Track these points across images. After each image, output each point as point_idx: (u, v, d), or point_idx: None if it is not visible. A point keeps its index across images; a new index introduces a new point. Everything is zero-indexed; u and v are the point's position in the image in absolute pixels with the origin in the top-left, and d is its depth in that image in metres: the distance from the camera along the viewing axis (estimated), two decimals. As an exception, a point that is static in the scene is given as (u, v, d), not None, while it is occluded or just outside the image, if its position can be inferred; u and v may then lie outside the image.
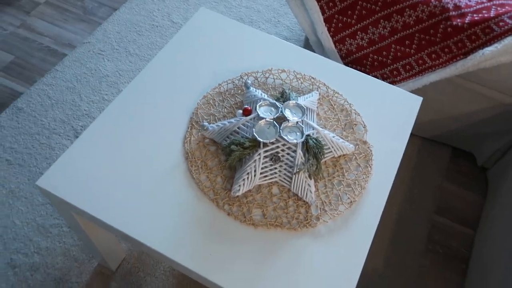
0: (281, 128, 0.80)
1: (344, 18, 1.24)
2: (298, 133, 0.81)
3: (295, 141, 0.80)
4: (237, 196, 0.81)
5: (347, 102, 0.96)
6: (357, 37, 1.25)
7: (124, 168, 0.83)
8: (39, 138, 1.46)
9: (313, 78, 0.99)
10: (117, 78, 1.65)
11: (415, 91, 1.29)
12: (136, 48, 1.73)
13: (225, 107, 0.93)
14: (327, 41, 1.28)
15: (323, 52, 1.35)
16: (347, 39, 1.26)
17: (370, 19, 1.21)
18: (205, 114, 0.92)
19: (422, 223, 1.34)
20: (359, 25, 1.23)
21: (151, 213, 0.78)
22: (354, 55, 1.28)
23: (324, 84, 0.99)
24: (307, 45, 1.45)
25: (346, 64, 1.32)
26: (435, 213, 1.37)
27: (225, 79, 0.98)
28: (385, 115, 0.96)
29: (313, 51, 1.40)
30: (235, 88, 0.97)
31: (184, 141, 0.88)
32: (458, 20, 1.16)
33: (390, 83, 1.27)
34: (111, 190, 0.80)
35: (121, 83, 1.63)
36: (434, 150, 1.50)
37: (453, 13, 1.16)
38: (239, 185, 0.79)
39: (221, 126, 0.85)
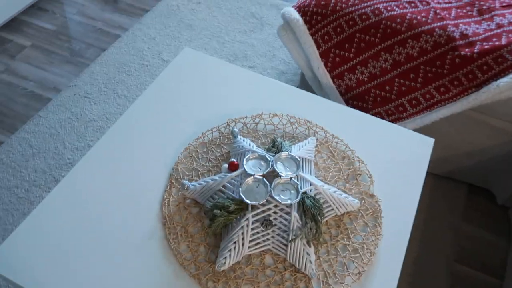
0: (272, 186, 0.69)
1: (342, 52, 1.14)
2: (292, 192, 0.69)
3: (289, 201, 0.67)
4: (223, 270, 0.68)
5: (349, 148, 0.85)
6: (356, 71, 1.14)
7: (89, 239, 0.71)
8: (17, 191, 1.35)
9: (309, 122, 0.88)
10: (104, 122, 1.55)
11: (423, 128, 1.18)
12: (124, 89, 1.65)
13: (209, 160, 0.82)
14: (324, 76, 1.18)
15: (320, 88, 1.25)
16: (345, 74, 1.16)
17: (370, 52, 1.12)
18: (186, 169, 0.80)
19: (441, 274, 1.19)
20: (358, 59, 1.13)
21: (120, 296, 0.65)
22: (355, 91, 1.18)
23: (322, 128, 0.87)
24: (303, 81, 1.35)
25: (346, 100, 1.21)
26: (454, 261, 1.23)
27: (209, 126, 0.87)
28: (393, 161, 0.84)
29: (310, 87, 1.30)
30: (221, 137, 0.85)
31: (162, 202, 0.76)
32: (467, 50, 1.05)
33: (395, 120, 1.16)
34: (74, 267, 0.67)
35: (108, 127, 1.54)
36: (448, 189, 1.37)
37: (460, 42, 1.06)
38: (225, 258, 0.67)
39: (203, 184, 0.74)
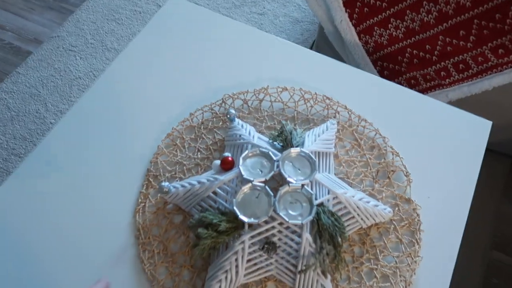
0: (277, 197, 0.51)
1: (372, 1, 0.90)
2: (304, 204, 0.51)
3: (299, 220, 0.50)
4: (211, 304, 0.52)
5: (380, 134, 0.65)
6: (389, 25, 0.91)
7: (40, 259, 0.55)
8: (-6, 161, 1.21)
9: (329, 99, 0.68)
10: (91, 80, 1.36)
11: (468, 97, 0.95)
12: (114, 40, 1.43)
13: (198, 150, 0.64)
14: (348, 31, 0.95)
15: (342, 45, 1.02)
16: (375, 28, 0.93)
17: (409, 1, 0.87)
18: (168, 163, 0.63)
19: (475, 261, 1.03)
20: (392, 9, 0.89)
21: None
22: (385, 50, 0.95)
23: (345, 108, 0.67)
24: (321, 34, 1.12)
25: (374, 61, 0.99)
26: (492, 248, 1.06)
27: (200, 104, 0.68)
28: (438, 154, 0.64)
29: (330, 43, 1.07)
30: (215, 119, 0.66)
31: (135, 209, 0.59)
32: None
33: (434, 86, 0.94)
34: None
35: None
36: (488, 162, 1.17)
37: None
38: (213, 290, 0.51)
39: (187, 188, 0.56)
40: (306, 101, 0.68)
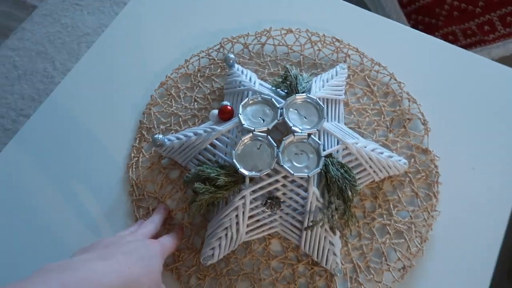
0: (281, 148, 0.46)
1: None
2: (311, 155, 0.46)
3: (305, 173, 0.45)
4: (212, 264, 0.48)
5: (395, 79, 0.59)
6: None
7: (38, 212, 0.52)
8: (3, 122, 1.16)
9: (339, 41, 0.61)
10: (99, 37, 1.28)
11: (510, 57, 0.86)
12: None
13: (195, 100, 0.58)
14: None
15: None
16: None
17: None
18: (162, 114, 0.57)
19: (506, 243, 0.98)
20: None
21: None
22: (421, 1, 0.86)
23: (357, 50, 0.61)
24: None
25: (408, 14, 0.90)
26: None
27: (196, 50, 0.61)
28: (463, 101, 0.58)
29: None
30: (213, 66, 0.60)
31: (128, 164, 0.55)
32: None
33: (476, 43, 0.86)
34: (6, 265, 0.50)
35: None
36: None
37: None
38: (213, 248, 0.47)
39: (183, 140, 0.51)
40: (313, 44, 0.61)
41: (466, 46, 0.89)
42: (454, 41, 0.89)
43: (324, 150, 0.47)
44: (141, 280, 0.38)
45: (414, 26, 0.92)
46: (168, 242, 0.45)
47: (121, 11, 0.65)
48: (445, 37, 0.89)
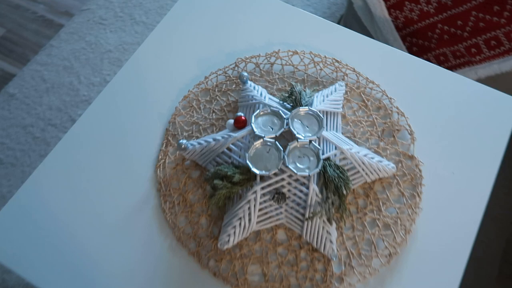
0: (286, 152, 0.55)
1: None
2: (312, 158, 0.55)
3: (306, 172, 0.54)
4: (227, 248, 0.57)
5: (386, 95, 0.68)
6: (421, 0, 0.91)
7: (74, 210, 0.61)
8: (33, 131, 1.27)
9: (338, 62, 0.71)
10: (120, 54, 1.40)
11: (499, 75, 0.95)
12: (142, 14, 1.46)
13: (213, 111, 0.68)
14: (378, 6, 0.96)
15: (371, 20, 1.03)
16: (406, 3, 0.93)
17: None
18: (185, 122, 0.67)
19: (494, 239, 1.05)
20: None
21: (108, 274, 0.57)
22: (416, 25, 0.95)
23: (354, 70, 0.70)
24: (350, 9, 1.12)
25: (403, 37, 0.99)
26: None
27: (214, 68, 0.71)
28: (447, 117, 0.67)
29: (359, 18, 1.07)
30: (228, 82, 0.70)
31: (156, 164, 0.64)
32: None
33: (464, 63, 0.95)
34: (51, 246, 0.59)
35: (125, 60, 1.39)
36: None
37: None
38: (228, 235, 0.56)
39: (203, 145, 0.61)
40: (315, 64, 0.71)
41: (456, 66, 0.98)
42: (445, 61, 0.98)
43: (323, 154, 0.57)
44: None
45: (409, 47, 1.01)
46: None
47: (142, 30, 0.75)
48: (437, 58, 0.99)
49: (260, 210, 0.56)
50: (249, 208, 0.55)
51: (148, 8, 1.47)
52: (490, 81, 0.94)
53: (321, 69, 0.70)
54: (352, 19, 1.12)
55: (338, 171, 0.55)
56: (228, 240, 0.56)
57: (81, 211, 0.61)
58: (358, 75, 0.70)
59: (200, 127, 0.66)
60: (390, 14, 0.96)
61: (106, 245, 0.58)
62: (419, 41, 0.97)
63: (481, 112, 0.67)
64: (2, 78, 1.40)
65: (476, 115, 0.67)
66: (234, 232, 0.56)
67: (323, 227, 0.56)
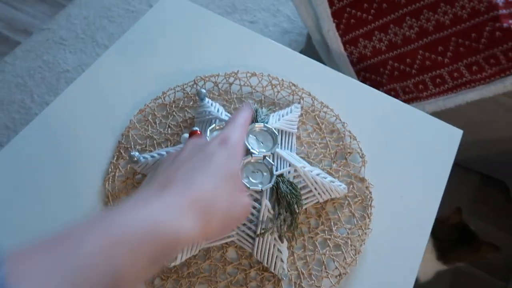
0: (240, 166, 0.54)
1: (359, 13, 0.96)
2: (265, 174, 0.55)
3: (259, 187, 0.54)
4: (174, 266, 0.55)
5: (340, 120, 0.70)
6: (374, 38, 0.97)
7: (23, 218, 0.57)
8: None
9: (294, 85, 0.73)
10: (78, 75, 1.36)
11: (444, 111, 1.01)
12: (105, 37, 1.45)
13: (169, 126, 0.67)
14: (335, 41, 1.01)
15: (328, 55, 1.07)
16: (360, 40, 0.99)
17: (392, 16, 0.94)
18: (139, 136, 0.66)
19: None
20: (377, 22, 0.96)
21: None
22: (369, 61, 1.01)
23: (309, 94, 0.72)
24: (309, 44, 1.17)
25: (358, 71, 1.04)
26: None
27: (172, 85, 0.71)
28: (397, 143, 0.70)
29: (317, 52, 1.12)
30: (186, 99, 0.70)
31: (105, 178, 0.62)
32: (510, 22, 0.88)
33: (412, 99, 1.01)
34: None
35: None
36: (457, 178, 1.24)
37: (504, 11, 0.88)
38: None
39: (156, 158, 0.59)
40: (273, 86, 0.72)
41: (405, 101, 1.03)
42: (395, 96, 1.04)
43: (276, 170, 0.57)
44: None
45: (363, 81, 1.07)
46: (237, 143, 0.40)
47: (102, 52, 0.75)
48: (388, 93, 1.04)
49: (210, 225, 0.55)
50: (199, 223, 0.54)
51: (111, 32, 1.46)
52: (436, 116, 0.99)
53: (278, 92, 0.72)
54: (310, 53, 1.17)
55: (291, 187, 0.56)
56: (176, 258, 0.54)
57: (20, 230, 0.57)
58: (313, 99, 0.72)
59: (155, 141, 0.65)
60: (345, 49, 1.02)
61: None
62: (372, 76, 1.03)
63: (428, 140, 0.70)
64: None
65: (423, 142, 0.70)
66: (182, 249, 0.54)
67: (274, 245, 0.55)
